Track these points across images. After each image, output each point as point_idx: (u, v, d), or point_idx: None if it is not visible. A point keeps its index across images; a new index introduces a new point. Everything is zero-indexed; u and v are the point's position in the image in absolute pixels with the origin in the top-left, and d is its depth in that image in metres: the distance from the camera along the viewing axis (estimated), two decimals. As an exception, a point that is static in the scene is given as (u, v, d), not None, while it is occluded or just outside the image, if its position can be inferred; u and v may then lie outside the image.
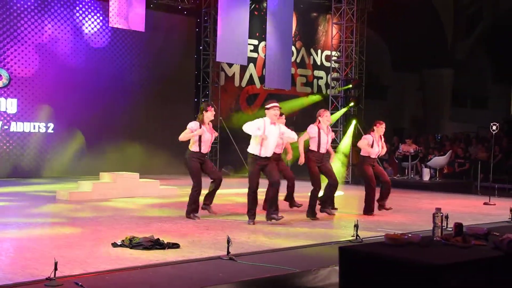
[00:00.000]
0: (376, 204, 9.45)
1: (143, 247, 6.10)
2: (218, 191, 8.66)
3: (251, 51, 18.01)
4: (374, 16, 19.54)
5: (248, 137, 8.21)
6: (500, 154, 17.07)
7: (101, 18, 15.41)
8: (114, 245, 6.25)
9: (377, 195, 9.47)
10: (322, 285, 5.24)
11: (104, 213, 8.80)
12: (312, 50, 20.02)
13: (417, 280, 3.72)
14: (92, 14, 15.38)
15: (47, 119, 14.71)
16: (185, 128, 8.44)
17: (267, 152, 8.01)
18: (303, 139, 8.80)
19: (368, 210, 9.38)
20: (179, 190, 11.72)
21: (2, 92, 14.10)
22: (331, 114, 10.30)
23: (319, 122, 8.81)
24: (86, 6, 15.28)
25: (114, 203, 9.98)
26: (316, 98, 19.83)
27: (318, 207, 8.91)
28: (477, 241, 4.44)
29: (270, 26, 16.54)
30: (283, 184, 9.29)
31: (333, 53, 18.19)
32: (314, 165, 8.65)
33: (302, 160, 8.68)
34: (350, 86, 17.68)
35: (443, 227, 4.66)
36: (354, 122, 17.39)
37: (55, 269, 4.70)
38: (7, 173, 14.13)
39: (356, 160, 16.74)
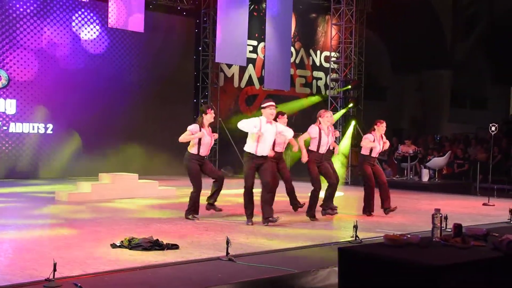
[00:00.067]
0: (377, 206, 9.45)
1: (142, 248, 6.10)
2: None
3: (250, 52, 18.01)
4: (373, 17, 19.54)
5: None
6: (499, 155, 17.07)
7: (100, 19, 15.41)
8: (113, 246, 6.24)
9: (378, 199, 9.47)
10: (321, 286, 5.24)
11: (103, 214, 8.80)
12: (311, 51, 20.02)
13: (416, 280, 3.72)
14: (91, 15, 15.38)
15: (46, 120, 14.70)
16: (185, 129, 8.45)
17: (263, 151, 8.00)
18: (303, 138, 8.81)
19: (367, 209, 9.39)
20: (178, 191, 11.72)
21: (1, 93, 14.09)
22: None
23: (320, 122, 8.82)
24: (85, 8, 15.28)
25: (113, 204, 9.98)
26: (316, 99, 19.83)
27: (319, 208, 8.90)
28: (476, 242, 4.45)
29: (269, 27, 16.54)
30: (281, 185, 9.34)
31: (332, 54, 18.20)
32: (314, 166, 8.66)
33: (304, 157, 8.66)
34: (349, 87, 17.68)
35: (442, 228, 4.66)
36: (353, 123, 17.39)
37: (54, 270, 4.70)
38: (6, 174, 14.12)
39: (356, 161, 16.76)
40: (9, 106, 14.18)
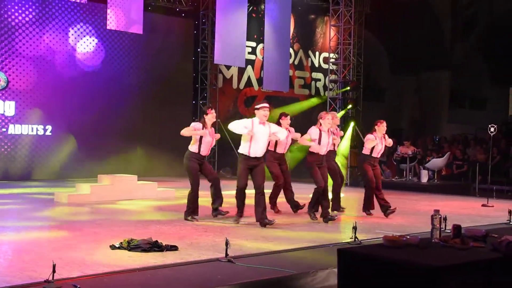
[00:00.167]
0: (377, 207, 9.45)
1: (141, 250, 6.10)
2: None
3: (249, 53, 18.02)
4: (372, 18, 19.56)
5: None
6: (498, 156, 17.08)
7: (99, 21, 15.40)
8: (112, 247, 6.24)
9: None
10: (320, 287, 5.25)
11: (102, 216, 8.79)
12: (310, 52, 20.03)
13: (415, 281, 3.72)
14: (90, 16, 15.38)
15: (45, 121, 14.69)
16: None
17: (256, 152, 7.99)
18: (304, 138, 8.80)
19: (366, 207, 9.40)
20: (177, 192, 11.72)
21: (0, 94, 14.08)
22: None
23: (321, 124, 8.78)
24: (84, 10, 15.27)
25: (112, 206, 9.97)
26: (316, 101, 19.83)
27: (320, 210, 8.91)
28: (475, 243, 4.45)
29: (268, 28, 16.55)
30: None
31: (331, 55, 18.21)
32: (315, 167, 8.64)
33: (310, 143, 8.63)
34: (348, 88, 17.69)
35: (442, 229, 4.66)
36: (352, 124, 17.40)
37: (53, 271, 4.69)
38: (5, 175, 14.11)
39: (355, 162, 16.77)
40: (8, 108, 14.18)
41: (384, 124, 9.45)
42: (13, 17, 14.22)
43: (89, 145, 15.14)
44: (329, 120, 8.86)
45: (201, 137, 8.35)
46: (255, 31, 18.14)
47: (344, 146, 17.00)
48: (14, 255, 5.98)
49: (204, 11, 17.53)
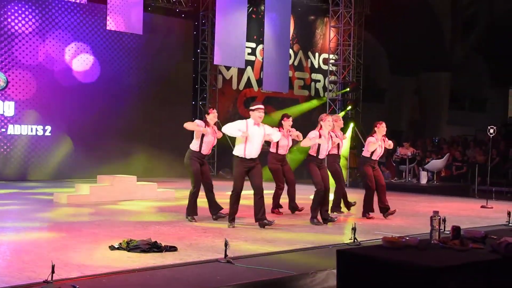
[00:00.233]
0: (376, 209, 9.44)
1: (140, 250, 6.09)
2: (215, 193, 8.67)
3: (248, 54, 18.03)
4: (372, 19, 19.57)
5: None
6: (498, 157, 17.09)
7: (98, 21, 15.41)
8: (112, 248, 6.24)
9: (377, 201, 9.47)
10: (319, 288, 5.24)
11: (101, 216, 8.79)
12: (309, 53, 20.04)
13: (415, 282, 3.72)
14: (90, 17, 15.38)
15: (44, 122, 14.68)
16: (184, 131, 8.49)
17: (251, 153, 7.96)
18: (304, 144, 8.77)
19: (366, 211, 9.37)
20: (177, 193, 11.72)
21: (0, 95, 14.08)
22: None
23: (321, 127, 8.73)
24: (84, 9, 15.28)
25: (112, 206, 9.96)
26: (316, 103, 19.83)
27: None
28: (474, 244, 4.45)
29: (267, 29, 16.55)
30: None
31: (331, 56, 18.21)
32: (315, 168, 8.60)
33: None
34: (348, 89, 17.69)
35: (441, 230, 4.66)
36: (351, 125, 17.40)
37: (52, 272, 4.69)
38: (4, 175, 14.10)
39: (354, 163, 16.76)
40: (8, 108, 14.17)
41: (384, 125, 9.43)
42: (12, 17, 14.21)
43: (88, 146, 15.13)
44: (330, 122, 8.82)
45: (202, 136, 8.36)
46: (254, 32, 18.14)
47: (343, 148, 16.97)
48: (13, 256, 5.98)
49: (204, 12, 17.54)
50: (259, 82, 18.26)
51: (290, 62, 18.50)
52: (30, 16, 14.42)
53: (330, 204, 9.12)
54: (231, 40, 15.42)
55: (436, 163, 16.42)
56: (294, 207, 9.55)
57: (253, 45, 18.41)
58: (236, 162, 8.02)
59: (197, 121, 8.56)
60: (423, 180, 15.75)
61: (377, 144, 9.27)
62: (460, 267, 3.85)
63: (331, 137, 8.95)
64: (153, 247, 6.17)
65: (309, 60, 20.04)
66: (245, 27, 15.87)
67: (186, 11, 17.16)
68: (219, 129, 8.44)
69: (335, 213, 9.49)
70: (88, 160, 14.96)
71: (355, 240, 6.82)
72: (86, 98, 15.20)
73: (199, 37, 17.67)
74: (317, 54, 20.19)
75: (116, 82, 15.85)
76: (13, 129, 14.27)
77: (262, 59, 17.46)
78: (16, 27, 14.25)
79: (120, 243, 6.27)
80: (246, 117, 8.44)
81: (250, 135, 7.88)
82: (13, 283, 4.81)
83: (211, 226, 8.02)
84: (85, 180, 13.10)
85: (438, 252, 4.23)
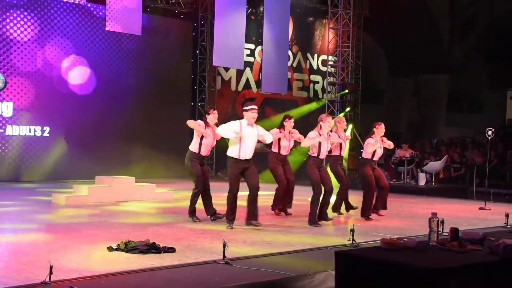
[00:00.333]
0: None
1: (138, 251, 6.09)
2: (213, 195, 8.67)
3: (247, 55, 18.04)
4: (371, 21, 19.59)
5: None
6: (496, 159, 17.11)
7: (97, 22, 15.40)
8: (110, 249, 6.23)
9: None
10: (318, 289, 5.24)
11: (99, 217, 8.78)
12: (308, 55, 20.06)
13: (413, 283, 3.72)
14: (89, 18, 15.38)
15: (43, 122, 14.67)
16: (183, 131, 8.51)
17: (246, 154, 7.96)
18: (305, 145, 8.80)
19: (365, 212, 9.36)
20: (175, 194, 11.71)
21: (-2, 95, 14.09)
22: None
23: (321, 127, 8.73)
24: (83, 10, 15.28)
25: (110, 207, 9.95)
26: (316, 105, 19.83)
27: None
28: (473, 246, 4.45)
29: (266, 30, 16.55)
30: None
31: (330, 57, 18.22)
32: (314, 170, 8.59)
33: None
34: (346, 91, 17.70)
35: (439, 232, 4.67)
36: (350, 126, 17.40)
37: (50, 273, 4.69)
38: (2, 176, 14.08)
39: (353, 165, 16.76)
40: (6, 108, 14.16)
41: (383, 126, 9.43)
42: (11, 17, 14.21)
43: (87, 146, 15.11)
44: (330, 123, 8.84)
45: (201, 138, 8.37)
46: (253, 33, 18.15)
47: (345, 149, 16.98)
48: (11, 257, 5.97)
49: (203, 13, 17.55)
50: (258, 83, 18.26)
51: (289, 63, 18.50)
52: (29, 17, 14.40)
53: (331, 205, 9.13)
54: (230, 41, 15.42)
55: (434, 165, 16.42)
56: (285, 210, 9.58)
57: (252, 46, 18.42)
58: (231, 163, 8.00)
59: (199, 121, 8.59)
60: (422, 181, 15.76)
61: (376, 145, 9.27)
62: (458, 269, 3.86)
63: (339, 137, 9.06)
64: (151, 248, 6.17)
65: (308, 61, 20.05)
66: (244, 28, 15.87)
67: (185, 12, 17.16)
68: None
69: (335, 214, 9.52)
70: (87, 161, 14.94)
71: (354, 242, 6.82)
72: (85, 99, 15.19)
73: (198, 38, 17.67)
74: (316, 56, 20.20)
75: (115, 83, 15.84)
76: (11, 130, 14.25)
77: (261, 60, 17.46)
78: (15, 27, 14.22)
79: (119, 244, 6.26)
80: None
81: (244, 135, 7.88)
82: (11, 284, 4.81)
83: (209, 228, 8.02)
84: (84, 181, 13.09)
85: (436, 253, 4.23)
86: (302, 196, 10.39)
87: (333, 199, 9.35)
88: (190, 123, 8.52)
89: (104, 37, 15.61)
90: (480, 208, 11.51)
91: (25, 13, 14.37)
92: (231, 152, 7.99)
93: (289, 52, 18.49)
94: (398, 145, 17.46)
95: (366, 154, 9.37)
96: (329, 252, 6.14)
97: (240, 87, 18.56)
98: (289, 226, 8.41)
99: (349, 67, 17.87)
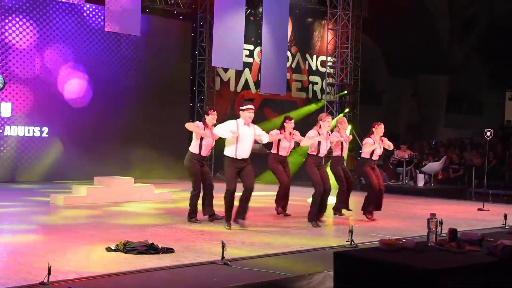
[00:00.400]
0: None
1: (137, 252, 6.09)
2: (214, 196, 8.69)
3: (246, 56, 18.04)
4: (370, 22, 19.60)
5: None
6: (494, 160, 17.12)
7: (96, 22, 15.40)
8: (108, 249, 6.23)
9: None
10: (316, 290, 5.24)
11: (98, 218, 8.78)
12: (307, 56, 20.06)
13: (412, 284, 3.72)
14: (88, 18, 15.38)
15: (42, 123, 14.66)
16: (182, 132, 8.52)
17: (243, 153, 7.97)
18: (304, 144, 8.82)
19: (366, 210, 9.37)
20: (174, 195, 11.71)
21: (-3, 96, 14.08)
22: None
23: (320, 126, 8.75)
24: (82, 11, 15.27)
25: (109, 208, 9.95)
26: (315, 106, 19.84)
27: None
28: (471, 246, 4.46)
29: (265, 31, 16.55)
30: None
31: (329, 58, 18.23)
32: (314, 169, 8.61)
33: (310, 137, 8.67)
34: (345, 92, 17.71)
35: (438, 233, 4.67)
36: (349, 127, 17.40)
37: (49, 273, 4.69)
38: (1, 177, 14.07)
39: (352, 166, 16.77)
40: (4, 109, 14.15)
41: (382, 126, 9.44)
42: (10, 18, 14.20)
43: (86, 147, 15.11)
44: (329, 122, 8.86)
45: (201, 138, 8.38)
46: (252, 34, 18.16)
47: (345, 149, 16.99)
48: (10, 257, 5.97)
49: (202, 14, 17.55)
50: (257, 84, 18.27)
51: (288, 64, 18.50)
52: (27, 17, 14.40)
53: (330, 205, 9.13)
54: (229, 42, 15.42)
55: (433, 166, 16.43)
56: (282, 207, 9.62)
57: (251, 47, 18.42)
58: (227, 162, 8.02)
59: (198, 123, 8.59)
60: (420, 182, 15.76)
61: (375, 145, 9.28)
62: (457, 270, 3.86)
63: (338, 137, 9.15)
64: (150, 248, 6.17)
65: (307, 62, 20.06)
66: (243, 29, 15.86)
67: (184, 13, 17.17)
68: None
69: (336, 214, 9.53)
70: (86, 162, 14.94)
71: (352, 242, 6.83)
72: (84, 100, 15.18)
73: (197, 38, 17.67)
74: (315, 57, 20.21)
75: (114, 84, 15.84)
76: (10, 130, 14.24)
77: (260, 61, 17.46)
78: (14, 28, 14.22)
79: (117, 245, 6.26)
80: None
81: (241, 135, 7.89)
82: (9, 285, 4.80)
83: (208, 229, 8.01)
84: (83, 181, 13.08)
85: (435, 254, 4.23)
86: (301, 197, 10.39)
87: (333, 199, 9.36)
88: (189, 126, 8.53)
89: (103, 38, 15.61)
90: (479, 209, 11.51)
91: (24, 13, 14.35)
92: (228, 151, 8.00)
93: (288, 53, 18.50)
94: (397, 146, 17.48)
95: (365, 153, 9.38)
96: (328, 253, 6.14)
97: (239, 88, 18.57)
98: (288, 227, 8.41)
99: (348, 68, 17.88)
